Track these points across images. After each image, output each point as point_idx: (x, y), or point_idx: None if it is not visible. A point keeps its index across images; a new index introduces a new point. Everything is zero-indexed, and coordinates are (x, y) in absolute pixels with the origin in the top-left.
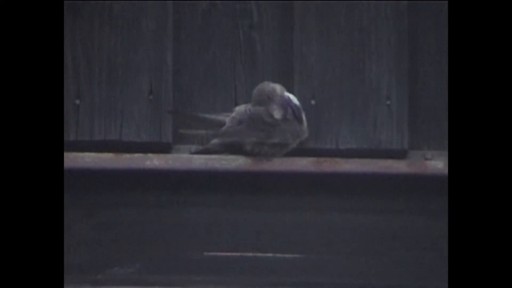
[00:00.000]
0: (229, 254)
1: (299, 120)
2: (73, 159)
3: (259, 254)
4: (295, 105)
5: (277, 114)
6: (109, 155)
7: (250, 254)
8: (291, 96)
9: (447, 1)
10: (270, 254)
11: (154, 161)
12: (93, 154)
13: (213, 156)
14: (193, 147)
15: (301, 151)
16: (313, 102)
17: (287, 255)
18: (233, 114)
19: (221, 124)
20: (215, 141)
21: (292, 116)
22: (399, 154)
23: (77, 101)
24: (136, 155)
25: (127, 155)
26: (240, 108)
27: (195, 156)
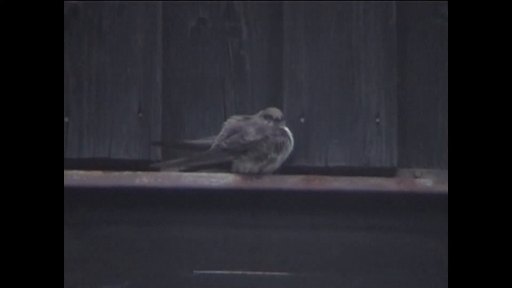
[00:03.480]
0: (219, 272)
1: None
2: None
3: (249, 272)
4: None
5: (251, 137)
6: (98, 173)
7: (240, 272)
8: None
9: (436, 20)
10: (260, 272)
11: (143, 179)
12: (81, 172)
13: (202, 174)
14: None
15: (290, 169)
16: (302, 120)
17: (277, 273)
18: (216, 142)
19: (207, 148)
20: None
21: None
22: (388, 172)
23: (66, 119)
24: (125, 173)
25: (116, 173)
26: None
27: (185, 174)
